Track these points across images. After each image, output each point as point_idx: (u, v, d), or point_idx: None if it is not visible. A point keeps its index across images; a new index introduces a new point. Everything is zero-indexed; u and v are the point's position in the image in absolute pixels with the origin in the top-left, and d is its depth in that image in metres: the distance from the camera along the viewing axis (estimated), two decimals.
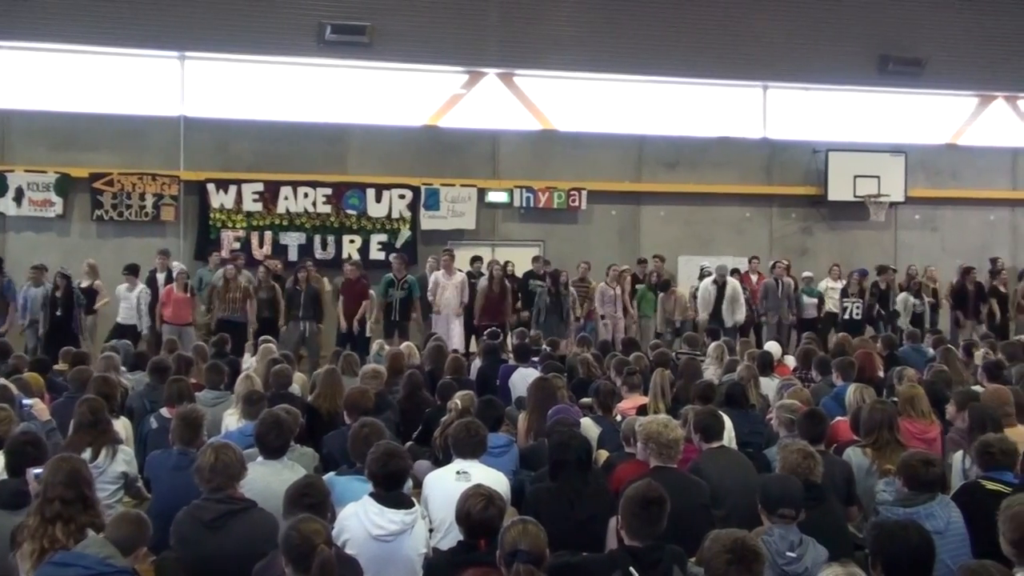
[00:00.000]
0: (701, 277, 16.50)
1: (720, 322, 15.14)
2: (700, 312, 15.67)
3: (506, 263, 15.89)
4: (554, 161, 18.14)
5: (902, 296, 16.69)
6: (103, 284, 14.35)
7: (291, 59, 17.36)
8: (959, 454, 6.23)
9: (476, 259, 15.93)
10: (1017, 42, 19.86)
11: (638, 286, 16.23)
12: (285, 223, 16.71)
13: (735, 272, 16.30)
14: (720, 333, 13.06)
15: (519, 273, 15.99)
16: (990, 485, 5.30)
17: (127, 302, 14.09)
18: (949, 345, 10.97)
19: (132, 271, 14.29)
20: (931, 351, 11.65)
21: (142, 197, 16.16)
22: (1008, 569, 3.79)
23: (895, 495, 5.30)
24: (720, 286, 15.61)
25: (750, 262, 17.06)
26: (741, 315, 15.55)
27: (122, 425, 7.20)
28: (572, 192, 17.91)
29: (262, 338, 11.72)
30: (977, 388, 8.59)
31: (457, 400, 7.08)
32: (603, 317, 15.61)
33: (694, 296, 16.20)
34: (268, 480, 5.37)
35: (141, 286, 14.21)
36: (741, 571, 3.72)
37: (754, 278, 16.60)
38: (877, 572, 3.91)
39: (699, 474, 5.74)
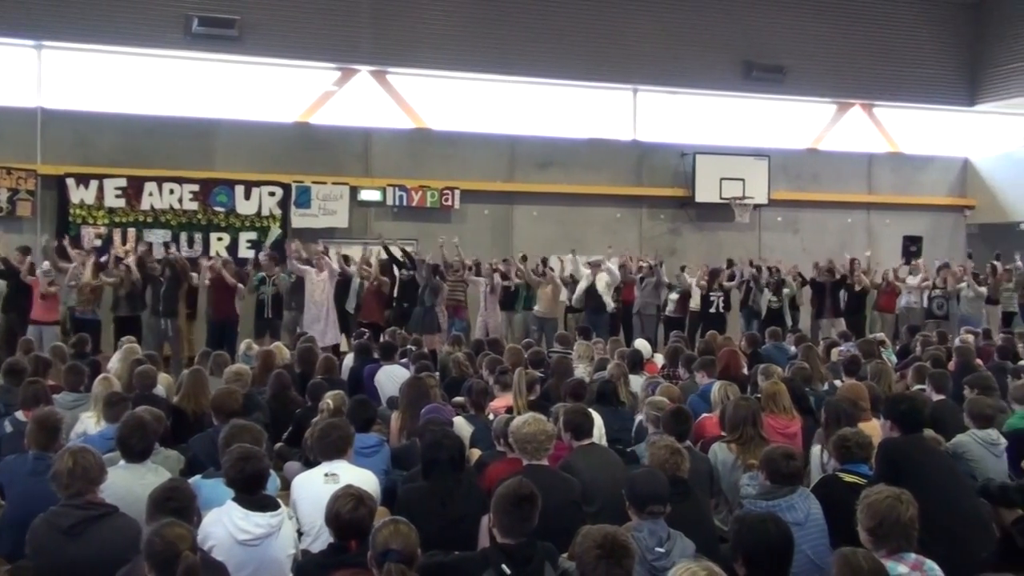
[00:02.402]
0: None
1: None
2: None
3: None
4: (427, 160, 18.11)
5: (765, 293, 17.16)
6: None
7: (156, 51, 16.85)
8: (817, 448, 6.43)
9: (345, 258, 15.78)
10: (873, 53, 20.82)
11: (507, 282, 16.29)
12: (150, 220, 16.23)
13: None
14: (591, 333, 13.21)
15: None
16: (847, 477, 5.50)
17: None
18: (810, 343, 11.32)
19: None
20: (792, 349, 12.01)
21: None
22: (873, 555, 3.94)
23: (758, 489, 5.45)
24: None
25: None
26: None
27: None
28: (445, 191, 17.91)
29: (124, 338, 11.33)
30: (837, 382, 8.95)
31: (328, 400, 7.00)
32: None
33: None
34: (130, 484, 5.21)
35: None
36: (611, 566, 3.76)
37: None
38: (739, 564, 4.02)
39: (570, 471, 5.78)
